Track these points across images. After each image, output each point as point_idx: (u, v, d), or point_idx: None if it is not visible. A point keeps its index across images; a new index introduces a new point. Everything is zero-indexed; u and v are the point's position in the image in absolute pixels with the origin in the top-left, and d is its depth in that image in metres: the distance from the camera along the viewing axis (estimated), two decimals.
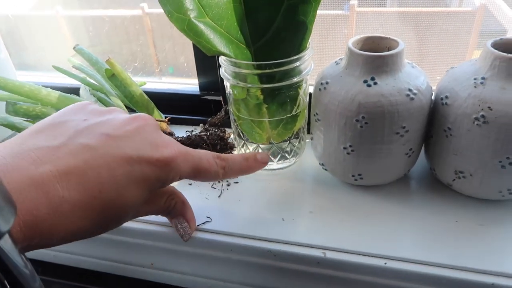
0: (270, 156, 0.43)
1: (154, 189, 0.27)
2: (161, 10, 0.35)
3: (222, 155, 0.33)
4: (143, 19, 0.73)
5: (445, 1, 0.63)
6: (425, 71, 0.35)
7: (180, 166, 0.28)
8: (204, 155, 0.31)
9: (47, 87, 0.42)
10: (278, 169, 0.43)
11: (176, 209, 0.33)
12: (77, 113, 0.28)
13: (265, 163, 0.36)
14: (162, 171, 0.27)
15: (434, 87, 0.35)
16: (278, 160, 0.43)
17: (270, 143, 0.42)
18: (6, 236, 0.16)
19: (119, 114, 0.28)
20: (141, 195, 0.26)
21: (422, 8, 0.58)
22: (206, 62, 0.50)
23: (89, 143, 0.25)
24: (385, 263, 0.31)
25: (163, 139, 0.28)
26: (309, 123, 0.43)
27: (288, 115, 0.40)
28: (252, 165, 0.35)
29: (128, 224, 0.37)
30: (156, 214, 0.32)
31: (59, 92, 0.43)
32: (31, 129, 0.26)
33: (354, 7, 0.60)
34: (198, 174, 0.30)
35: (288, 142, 0.42)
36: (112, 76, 0.43)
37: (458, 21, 0.59)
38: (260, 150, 0.42)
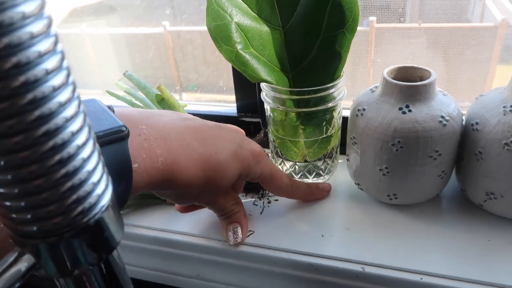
0: (305, 172, 0.46)
1: (242, 175, 0.35)
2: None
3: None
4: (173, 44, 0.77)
5: (467, 17, 0.64)
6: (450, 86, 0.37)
7: (263, 164, 0.36)
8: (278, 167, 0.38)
9: None
10: None
11: (236, 217, 0.37)
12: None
13: (327, 191, 0.43)
14: (252, 161, 0.35)
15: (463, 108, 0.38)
16: (313, 177, 0.46)
17: (306, 161, 0.45)
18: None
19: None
20: (235, 173, 0.34)
21: (442, 24, 0.60)
22: (244, 86, 0.53)
23: (206, 123, 0.34)
24: (421, 278, 0.34)
25: (253, 142, 0.37)
26: (342, 144, 0.45)
27: (323, 136, 0.43)
28: (315, 192, 0.42)
29: (177, 238, 0.40)
30: (221, 211, 0.37)
31: None
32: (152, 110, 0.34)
33: (373, 23, 0.62)
34: (273, 179, 0.37)
35: (322, 160, 0.45)
36: (162, 101, 0.47)
37: (479, 36, 0.60)
38: (297, 168, 0.45)
